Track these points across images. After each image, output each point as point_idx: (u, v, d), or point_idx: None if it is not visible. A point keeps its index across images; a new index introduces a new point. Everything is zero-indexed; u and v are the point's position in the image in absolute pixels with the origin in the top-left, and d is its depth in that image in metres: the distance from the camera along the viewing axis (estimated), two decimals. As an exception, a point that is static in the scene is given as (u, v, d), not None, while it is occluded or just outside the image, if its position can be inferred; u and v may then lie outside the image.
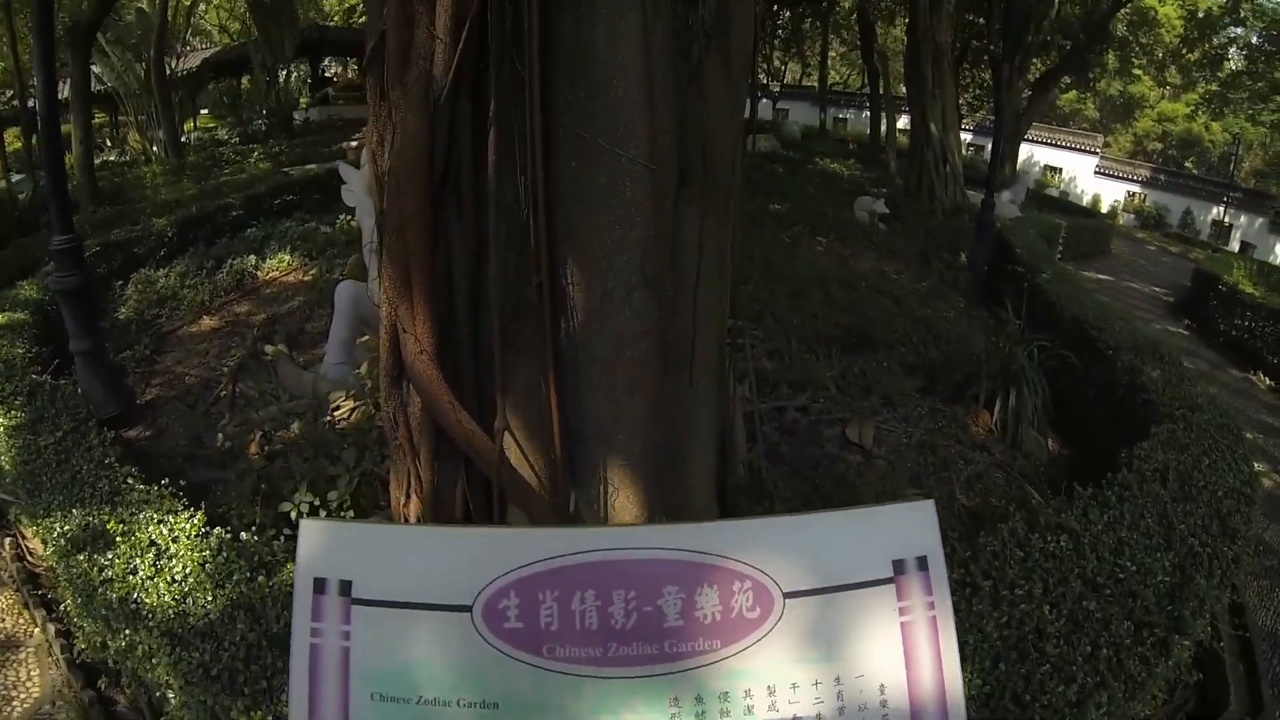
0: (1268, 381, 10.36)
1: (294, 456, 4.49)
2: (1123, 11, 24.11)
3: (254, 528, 3.72)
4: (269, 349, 6.57)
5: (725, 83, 3.38)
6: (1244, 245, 28.99)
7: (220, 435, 5.12)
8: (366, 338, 6.09)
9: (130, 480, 3.82)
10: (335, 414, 5.26)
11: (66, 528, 3.53)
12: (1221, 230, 31.10)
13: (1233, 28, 26.86)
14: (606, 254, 2.95)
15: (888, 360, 6.80)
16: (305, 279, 8.99)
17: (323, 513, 4.05)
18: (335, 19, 37.09)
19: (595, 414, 3.07)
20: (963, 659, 2.20)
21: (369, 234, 5.39)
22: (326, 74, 30.81)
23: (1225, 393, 7.16)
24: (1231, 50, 28.41)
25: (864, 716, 2.07)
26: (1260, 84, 26.95)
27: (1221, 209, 31.16)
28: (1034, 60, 23.74)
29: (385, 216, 3.10)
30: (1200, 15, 26.81)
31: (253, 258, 9.47)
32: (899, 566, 2.13)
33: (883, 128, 27.76)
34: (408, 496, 3.25)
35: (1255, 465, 4.62)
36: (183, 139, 19.31)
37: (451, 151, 2.99)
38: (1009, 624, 3.01)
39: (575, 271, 2.97)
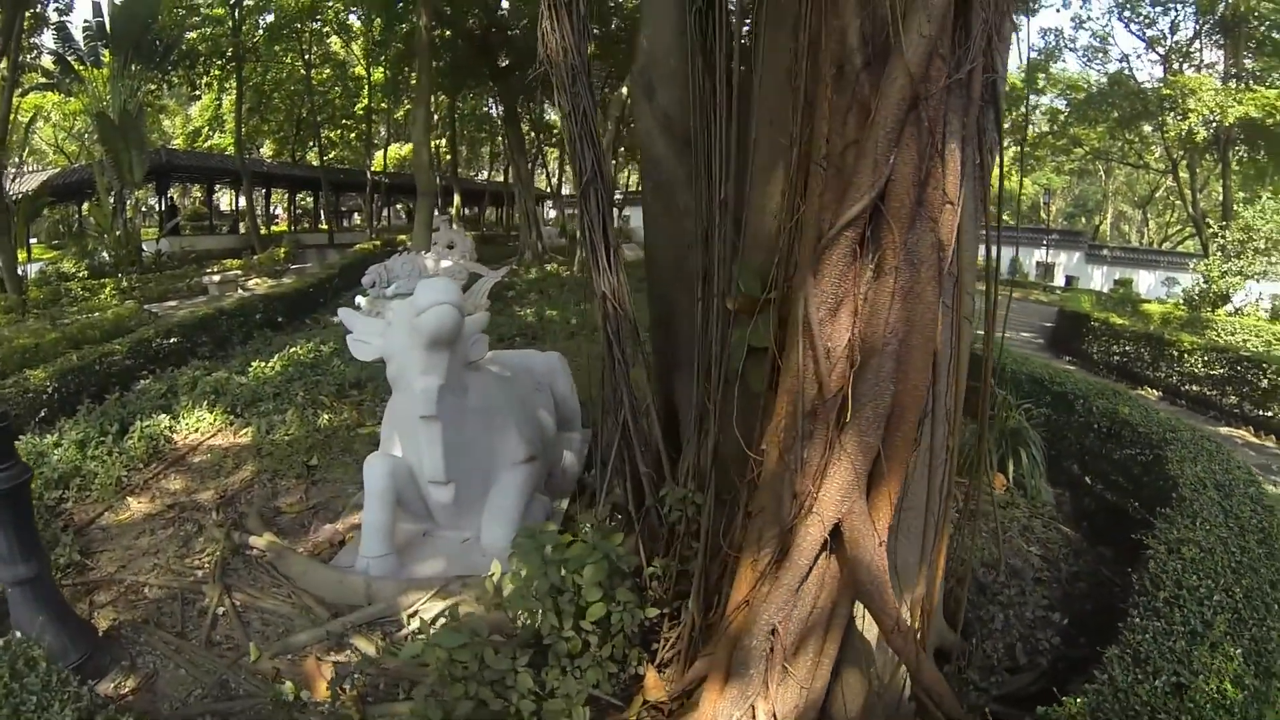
0: (1156, 394, 12.59)
1: (420, 695, 3.26)
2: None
3: None
4: (255, 540, 5.30)
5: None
6: (1069, 279, 33.99)
7: (247, 675, 3.89)
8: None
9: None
10: (418, 616, 4.23)
11: None
12: (1047, 269, 35.74)
13: (1034, 96, 31.32)
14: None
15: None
16: (240, 441, 7.65)
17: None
18: (179, 141, 35.05)
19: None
20: None
21: (429, 400, 4.47)
22: (173, 202, 28.60)
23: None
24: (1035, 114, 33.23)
25: None
26: (1063, 140, 32.23)
27: (1044, 250, 35.60)
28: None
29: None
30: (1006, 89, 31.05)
31: (164, 418, 8.00)
32: None
33: None
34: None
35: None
36: (19, 272, 16.89)
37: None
38: None
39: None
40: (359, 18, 31.01)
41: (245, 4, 25.13)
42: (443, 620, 3.92)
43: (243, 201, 34.48)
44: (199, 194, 38.56)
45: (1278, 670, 2.97)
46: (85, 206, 23.35)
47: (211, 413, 8.27)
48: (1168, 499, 4.80)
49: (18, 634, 3.77)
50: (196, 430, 7.97)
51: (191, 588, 4.87)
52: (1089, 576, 5.22)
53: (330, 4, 25.11)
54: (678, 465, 4.52)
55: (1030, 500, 6.40)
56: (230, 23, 24.93)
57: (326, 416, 8.15)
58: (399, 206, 49.19)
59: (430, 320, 4.28)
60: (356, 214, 50.75)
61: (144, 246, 21.46)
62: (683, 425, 4.65)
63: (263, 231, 30.43)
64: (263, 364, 9.87)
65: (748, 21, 4.01)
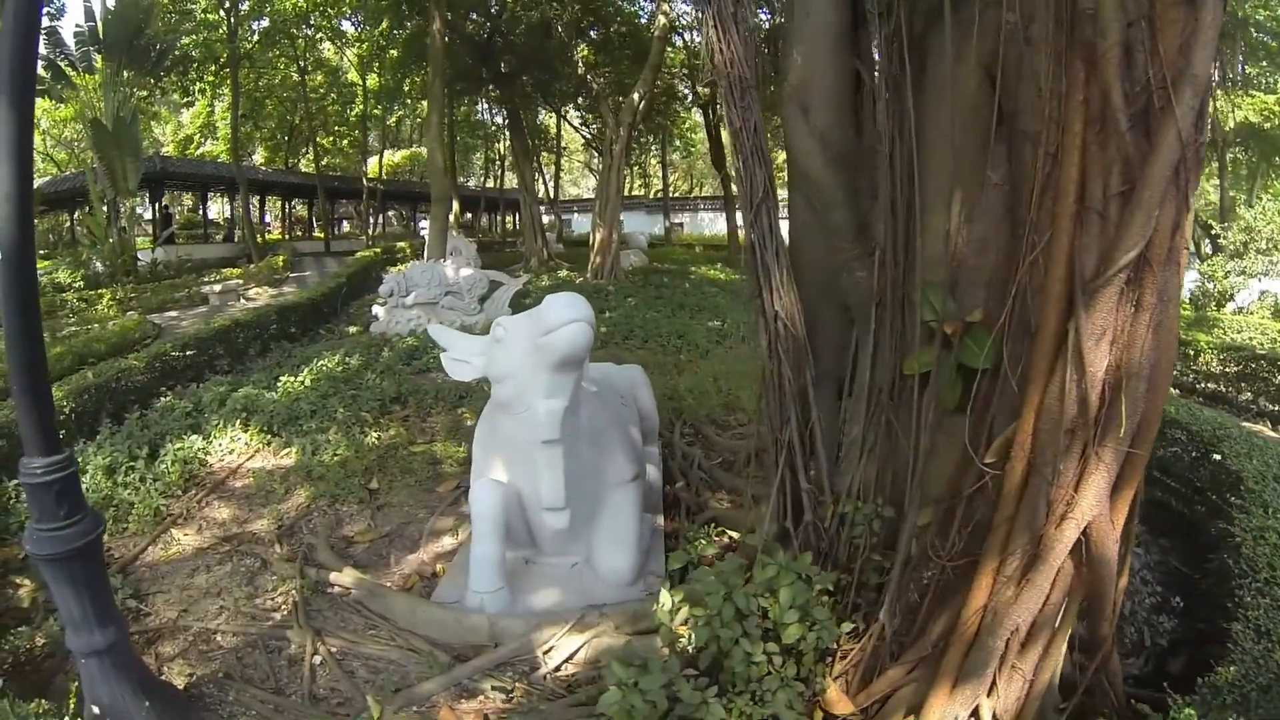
0: (1175, 392, 11.80)
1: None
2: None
3: None
4: (337, 576, 4.71)
5: None
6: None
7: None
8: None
9: None
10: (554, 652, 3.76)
11: None
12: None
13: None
14: None
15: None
16: (283, 462, 7.04)
17: None
18: (170, 148, 34.38)
19: None
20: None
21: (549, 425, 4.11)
22: (168, 210, 27.81)
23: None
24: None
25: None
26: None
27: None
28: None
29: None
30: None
31: (195, 439, 7.39)
32: None
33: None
34: None
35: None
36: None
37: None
38: None
39: None
40: (353, 24, 30.57)
41: (241, 9, 24.50)
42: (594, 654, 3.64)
43: (235, 209, 33.85)
44: (189, 201, 37.77)
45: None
46: (77, 215, 22.51)
47: (246, 432, 7.65)
48: (1232, 492, 5.11)
49: (94, 709, 3.20)
50: (232, 451, 7.36)
51: (273, 633, 4.28)
52: (1159, 566, 5.37)
53: (326, 8, 24.43)
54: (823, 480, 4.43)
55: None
56: (225, 27, 24.29)
57: (374, 435, 7.56)
58: (391, 213, 48.55)
59: (563, 339, 3.89)
60: (346, 221, 50.07)
61: (139, 256, 20.70)
62: (821, 438, 4.47)
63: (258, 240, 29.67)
64: (292, 379, 9.25)
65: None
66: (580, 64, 22.63)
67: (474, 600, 4.28)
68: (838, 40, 4.30)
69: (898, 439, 3.89)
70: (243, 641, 4.23)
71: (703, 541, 5.04)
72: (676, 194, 54.83)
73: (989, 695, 2.92)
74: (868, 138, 4.34)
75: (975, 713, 2.92)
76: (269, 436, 7.63)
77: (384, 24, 22.92)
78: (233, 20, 23.81)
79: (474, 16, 24.05)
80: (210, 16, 24.18)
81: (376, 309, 14.20)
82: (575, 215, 53.76)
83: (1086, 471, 2.79)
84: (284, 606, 4.56)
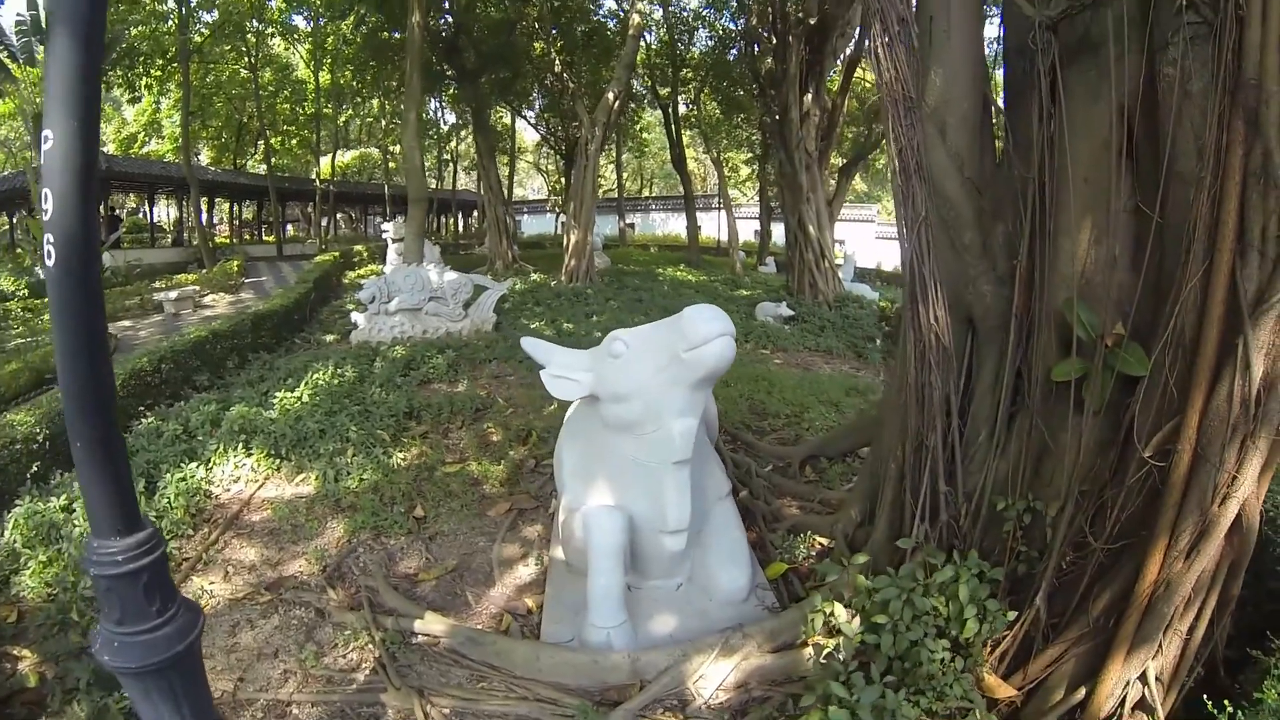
0: None
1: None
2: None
3: None
4: (423, 625, 4.08)
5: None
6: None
7: None
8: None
9: None
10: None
11: None
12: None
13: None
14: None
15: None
16: (302, 491, 6.34)
17: None
18: (113, 147, 32.66)
19: None
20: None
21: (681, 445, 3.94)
22: (115, 212, 26.23)
23: None
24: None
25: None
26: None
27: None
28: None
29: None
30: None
31: (194, 467, 6.63)
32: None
33: (719, 232, 30.15)
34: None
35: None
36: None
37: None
38: None
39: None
40: (305, 19, 29.35)
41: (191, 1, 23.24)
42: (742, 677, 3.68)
43: (184, 211, 32.29)
44: (133, 203, 35.84)
45: None
46: (17, 218, 20.96)
47: (250, 456, 6.92)
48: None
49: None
50: (237, 480, 6.64)
51: (362, 699, 3.65)
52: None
53: (280, 3, 23.31)
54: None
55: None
56: (175, 19, 22.97)
57: (399, 455, 6.90)
58: (340, 216, 47.02)
59: (712, 354, 3.70)
60: (291, 225, 48.33)
61: (85, 261, 19.34)
62: (959, 442, 4.69)
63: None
64: (289, 395, 8.49)
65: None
66: (556, 62, 21.92)
67: (598, 636, 3.93)
68: (975, 66, 4.51)
69: (1026, 439, 4.10)
70: (327, 712, 3.60)
71: (801, 549, 5.27)
72: (627, 194, 54.53)
73: (1154, 659, 3.37)
74: (989, 160, 4.60)
75: (1142, 675, 3.35)
76: (277, 461, 6.92)
77: (350, 18, 21.82)
78: (183, 11, 22.49)
79: (445, 14, 23.21)
80: (159, 7, 22.82)
81: (356, 316, 13.38)
82: (525, 216, 53.06)
83: (1245, 458, 3.20)
84: (363, 665, 3.94)
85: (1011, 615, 3.77)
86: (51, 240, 2.10)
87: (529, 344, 4.50)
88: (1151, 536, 3.40)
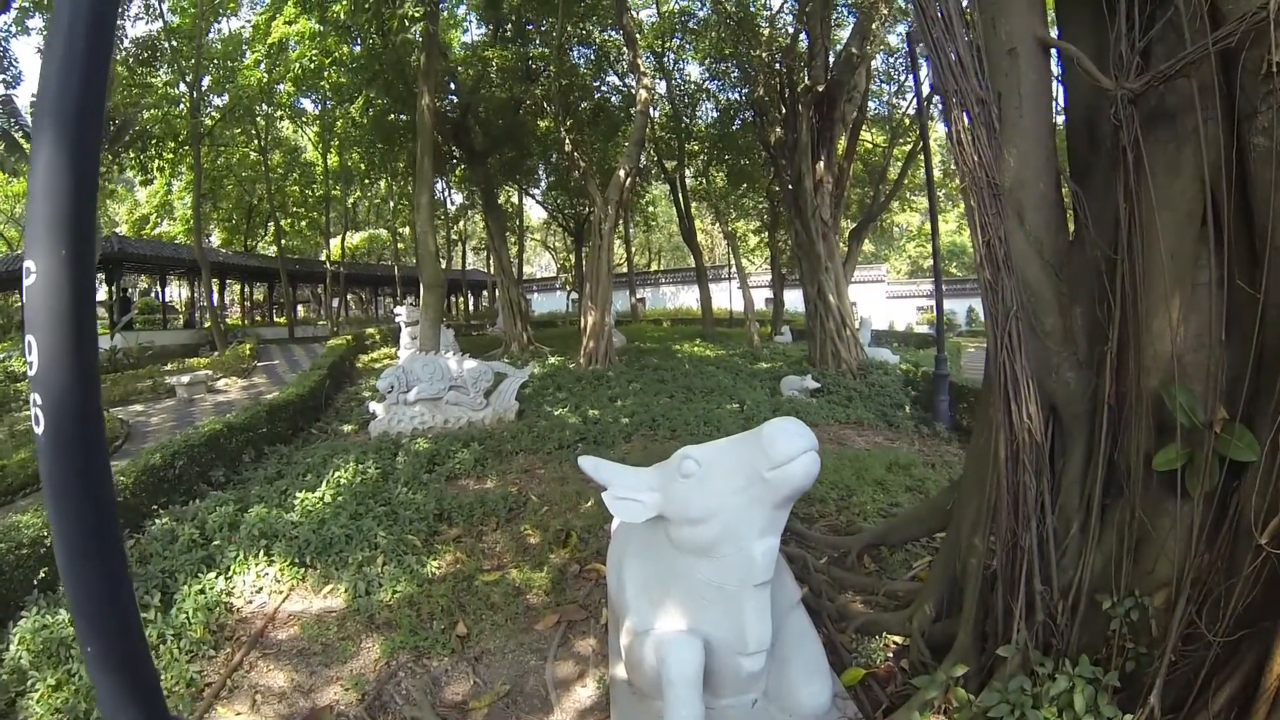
0: None
1: None
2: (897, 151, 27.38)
3: None
4: None
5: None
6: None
7: None
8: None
9: None
10: None
11: None
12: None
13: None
14: None
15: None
16: (331, 604, 5.88)
17: None
18: (125, 228, 32.97)
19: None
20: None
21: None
22: (127, 293, 26.22)
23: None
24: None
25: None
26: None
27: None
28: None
29: None
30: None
31: (213, 577, 6.20)
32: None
33: (730, 303, 30.15)
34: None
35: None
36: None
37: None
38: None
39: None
40: (313, 102, 29.89)
41: (203, 84, 23.65)
42: None
43: (196, 293, 32.36)
44: (144, 284, 36.01)
45: None
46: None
47: (272, 565, 6.48)
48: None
49: None
50: (260, 590, 6.19)
51: None
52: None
53: (300, 82, 23.73)
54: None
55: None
56: (186, 103, 23.35)
57: (433, 563, 6.45)
58: (350, 297, 47.24)
59: (799, 473, 3.38)
60: (301, 305, 48.55)
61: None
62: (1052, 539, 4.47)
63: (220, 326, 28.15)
64: (310, 495, 8.07)
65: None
66: (566, 141, 22.11)
67: None
68: (1048, 142, 4.36)
69: (1124, 530, 3.91)
70: None
71: (878, 651, 4.98)
72: (635, 268, 55.07)
73: None
74: (1064, 240, 4.45)
75: None
76: (301, 570, 6.47)
77: (358, 101, 22.13)
78: (194, 95, 22.87)
79: (450, 95, 23.59)
80: (171, 91, 23.22)
81: (375, 406, 13.02)
82: (535, 295, 53.33)
83: None
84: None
85: (1128, 719, 3.50)
86: (39, 402, 1.44)
87: (587, 464, 4.13)
88: (1275, 626, 3.20)
